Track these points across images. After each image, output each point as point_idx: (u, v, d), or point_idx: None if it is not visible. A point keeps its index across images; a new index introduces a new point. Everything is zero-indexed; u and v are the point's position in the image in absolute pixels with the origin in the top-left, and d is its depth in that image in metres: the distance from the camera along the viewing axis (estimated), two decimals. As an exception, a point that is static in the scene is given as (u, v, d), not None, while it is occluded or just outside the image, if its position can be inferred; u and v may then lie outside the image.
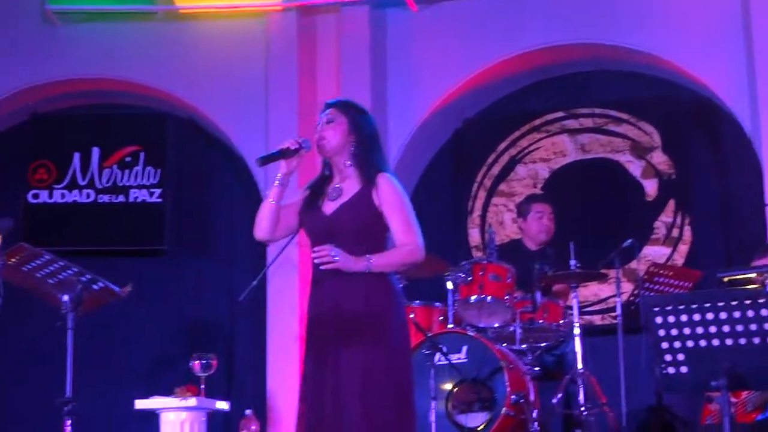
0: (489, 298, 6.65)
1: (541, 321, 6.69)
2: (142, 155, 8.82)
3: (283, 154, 4.40)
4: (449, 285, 6.73)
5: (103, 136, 8.88)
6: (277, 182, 4.43)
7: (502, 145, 8.72)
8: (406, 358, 4.40)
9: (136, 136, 8.88)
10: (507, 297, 6.67)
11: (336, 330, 4.29)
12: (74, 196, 8.78)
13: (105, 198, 8.77)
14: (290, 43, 8.51)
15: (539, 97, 8.76)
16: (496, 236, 7.34)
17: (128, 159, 8.83)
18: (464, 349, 6.46)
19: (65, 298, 5.31)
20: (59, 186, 8.79)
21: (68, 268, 5.36)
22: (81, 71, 8.86)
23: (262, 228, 4.47)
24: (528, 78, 8.71)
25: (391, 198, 4.38)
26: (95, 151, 8.84)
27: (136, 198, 8.76)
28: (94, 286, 5.40)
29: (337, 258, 4.24)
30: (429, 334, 6.43)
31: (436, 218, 8.65)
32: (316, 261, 4.28)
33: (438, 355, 6.31)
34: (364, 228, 4.35)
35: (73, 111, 9.11)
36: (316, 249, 4.28)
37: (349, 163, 4.44)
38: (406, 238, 4.37)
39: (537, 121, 8.68)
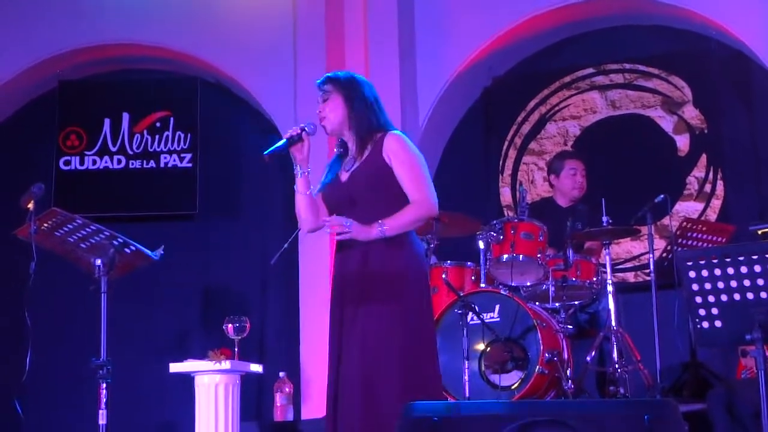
0: (521, 256, 6.64)
1: (573, 279, 6.68)
2: (171, 120, 8.83)
3: (289, 143, 4.44)
4: (481, 244, 6.73)
5: (132, 102, 8.89)
6: (298, 173, 4.49)
7: (532, 103, 8.67)
8: (426, 316, 4.44)
9: (166, 102, 8.88)
10: (539, 255, 6.65)
11: (356, 292, 4.36)
12: (105, 162, 8.81)
13: (136, 164, 8.80)
14: (318, 4, 8.47)
15: (568, 53, 8.69)
16: (528, 194, 7.31)
17: (158, 124, 8.84)
18: (497, 308, 6.46)
19: (98, 262, 5.33)
20: (90, 152, 8.82)
21: (100, 232, 5.37)
22: (109, 37, 8.86)
23: (305, 221, 4.55)
24: (556, 35, 8.64)
25: (400, 154, 4.42)
26: (125, 117, 8.85)
27: (166, 163, 8.78)
28: (127, 250, 5.42)
29: (349, 229, 4.27)
30: (461, 294, 6.42)
31: (467, 178, 8.64)
32: (328, 232, 4.33)
33: (470, 315, 6.30)
34: (379, 189, 4.40)
35: (101, 77, 9.12)
36: (327, 220, 4.34)
37: (354, 134, 4.49)
38: (417, 194, 4.40)
39: (567, 78, 8.62)
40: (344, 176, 4.50)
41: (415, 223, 4.45)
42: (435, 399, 4.32)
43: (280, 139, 4.50)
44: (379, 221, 4.31)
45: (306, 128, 4.46)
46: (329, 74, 4.65)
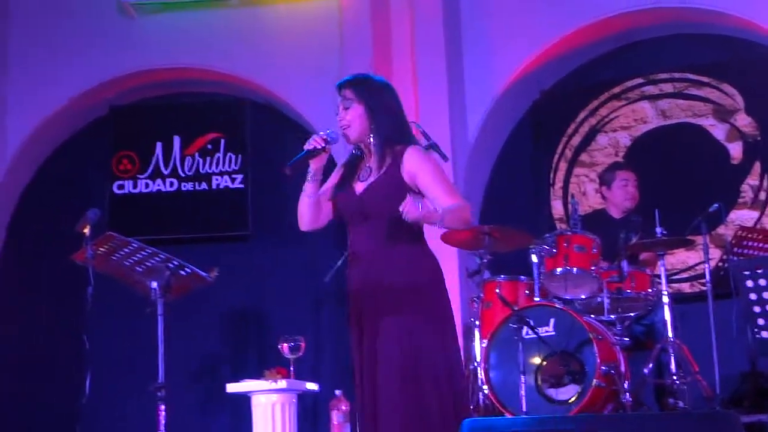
0: (575, 269, 6.61)
1: (628, 290, 6.63)
2: (222, 142, 8.89)
3: (311, 155, 4.39)
4: (534, 258, 6.70)
5: (183, 125, 8.96)
6: (310, 178, 4.44)
7: (582, 115, 8.63)
8: (450, 327, 4.37)
9: (216, 123, 8.94)
10: (593, 267, 6.62)
11: (376, 303, 4.29)
12: (158, 186, 8.88)
13: (188, 186, 8.86)
14: (363, 20, 8.50)
15: (617, 64, 8.65)
16: (580, 207, 7.28)
17: (209, 146, 8.90)
18: (552, 321, 6.42)
19: (154, 284, 5.38)
20: (143, 176, 8.89)
21: (156, 255, 5.42)
22: (158, 61, 8.94)
23: (304, 222, 4.52)
24: (605, 45, 8.60)
25: (423, 168, 4.34)
26: (176, 140, 8.92)
27: (218, 185, 8.83)
28: (182, 272, 5.46)
29: (421, 209, 4.14)
30: (515, 308, 6.40)
31: (518, 191, 8.62)
32: (405, 211, 4.14)
33: (525, 329, 6.27)
34: (395, 205, 4.26)
35: (152, 101, 9.20)
36: (406, 203, 4.15)
37: (373, 143, 4.41)
38: (453, 200, 4.31)
39: (616, 89, 8.58)
40: (359, 187, 4.42)
41: (463, 222, 4.37)
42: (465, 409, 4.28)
43: (302, 150, 4.43)
44: (437, 210, 4.19)
45: (328, 138, 4.39)
46: (350, 78, 4.55)
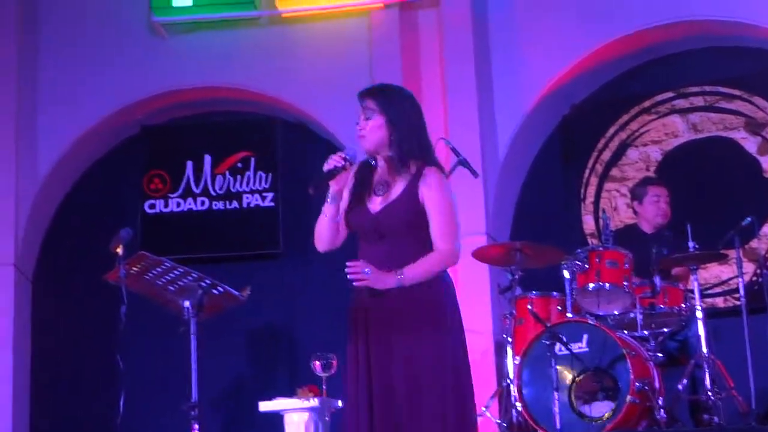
0: (607, 285, 6.59)
1: (661, 306, 6.61)
2: (252, 160, 8.91)
3: (332, 174, 4.27)
4: (566, 274, 6.69)
5: (213, 144, 8.99)
6: (330, 200, 4.32)
7: (612, 130, 8.60)
8: (466, 350, 4.32)
9: (246, 142, 8.96)
10: (625, 283, 6.59)
11: (391, 320, 4.22)
12: (189, 205, 8.90)
13: (219, 205, 8.88)
14: (393, 39, 8.51)
15: (647, 78, 8.62)
16: (611, 222, 7.26)
17: (239, 165, 8.92)
18: (585, 337, 6.40)
19: (187, 304, 5.41)
20: (174, 195, 8.92)
21: (188, 274, 5.44)
22: (189, 81, 8.97)
23: (322, 242, 4.42)
24: (635, 59, 8.58)
25: (435, 196, 4.25)
26: (207, 159, 8.94)
27: (249, 203, 8.85)
28: (214, 291, 5.48)
29: (368, 276, 4.14)
30: (548, 325, 6.38)
31: (549, 207, 8.59)
32: (349, 276, 4.16)
33: (558, 345, 6.26)
34: (411, 227, 4.25)
35: (183, 120, 9.24)
36: (349, 265, 4.16)
37: (391, 156, 4.31)
38: (442, 244, 4.25)
39: (646, 103, 8.55)
40: (375, 205, 4.31)
41: (434, 273, 4.26)
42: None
43: (324, 174, 4.31)
44: (397, 270, 4.17)
45: (347, 157, 4.28)
46: (373, 87, 4.49)
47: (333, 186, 4.29)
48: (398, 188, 4.30)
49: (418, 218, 4.24)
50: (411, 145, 4.30)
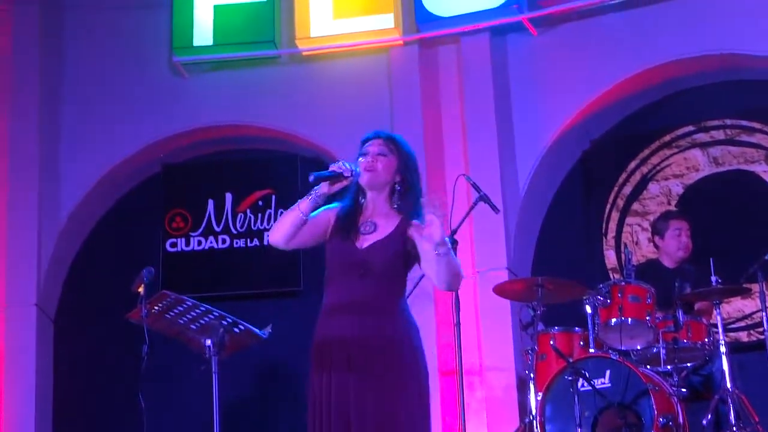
0: (630, 319, 6.56)
1: (685, 340, 6.57)
2: (273, 198, 8.94)
3: (335, 177, 4.38)
4: (588, 309, 6.67)
5: (234, 182, 9.02)
6: (312, 197, 4.40)
7: (633, 164, 8.59)
8: (424, 389, 4.38)
9: (267, 180, 8.99)
10: (648, 318, 6.56)
11: (370, 355, 4.27)
12: (210, 243, 8.92)
13: (240, 243, 8.90)
14: (413, 76, 8.55)
15: (667, 112, 8.61)
16: (633, 256, 7.23)
17: (260, 203, 8.94)
18: (607, 373, 6.37)
19: (208, 342, 5.42)
20: (195, 233, 8.94)
21: (210, 312, 5.45)
22: (209, 119, 9.02)
23: (279, 234, 4.46)
24: (653, 94, 8.58)
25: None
26: (228, 197, 8.97)
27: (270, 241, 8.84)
28: (236, 329, 5.49)
29: (441, 219, 4.19)
30: (571, 360, 6.35)
31: (570, 242, 8.57)
32: (433, 206, 4.23)
33: (581, 381, 6.23)
34: (396, 265, 4.34)
35: (203, 158, 9.28)
36: (430, 219, 4.18)
37: (389, 199, 4.43)
38: None
39: (667, 137, 8.54)
40: (362, 242, 4.38)
41: (457, 274, 4.32)
42: None
43: (328, 169, 4.44)
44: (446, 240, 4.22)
45: (353, 174, 4.39)
46: (394, 135, 4.60)
47: (324, 187, 4.39)
48: (387, 228, 4.40)
49: (404, 261, 4.35)
50: (412, 194, 4.42)
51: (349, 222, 4.45)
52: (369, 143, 4.49)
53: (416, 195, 4.44)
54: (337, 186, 4.40)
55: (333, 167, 4.42)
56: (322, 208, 4.48)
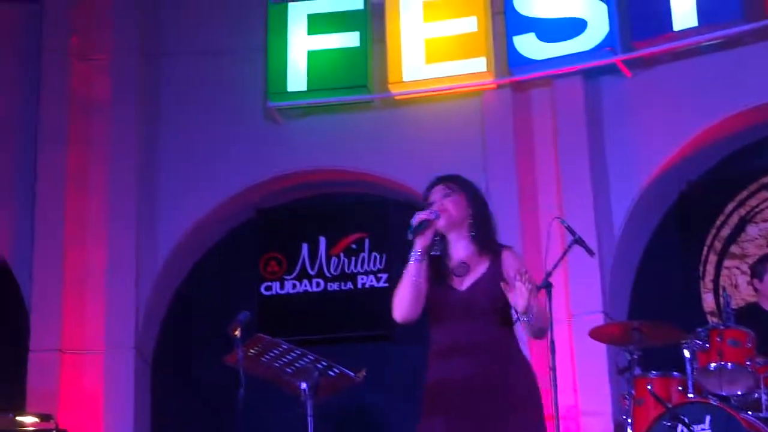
0: (729, 364, 6.45)
1: (787, 386, 6.42)
2: (366, 241, 8.98)
3: (423, 228, 4.40)
4: (686, 353, 6.58)
5: (328, 226, 9.08)
6: (414, 258, 4.42)
7: (730, 206, 8.47)
8: (541, 427, 4.39)
9: (360, 224, 9.04)
10: (748, 362, 6.45)
11: (469, 400, 4.28)
12: (305, 286, 8.98)
13: (334, 286, 8.94)
14: (506, 120, 8.54)
15: (764, 153, 8.48)
16: (732, 300, 7.11)
17: (354, 246, 8.99)
18: (707, 419, 6.26)
19: (303, 385, 5.44)
20: (290, 277, 9.01)
21: (305, 356, 5.48)
22: (303, 164, 9.10)
23: (403, 307, 4.48)
24: (751, 135, 8.46)
25: (522, 270, 4.34)
26: (322, 241, 9.04)
27: (363, 284, 8.90)
28: (330, 373, 5.51)
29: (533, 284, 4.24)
30: (669, 406, 6.25)
31: (666, 285, 8.45)
32: (522, 285, 4.21)
33: (680, 427, 6.13)
34: (499, 304, 4.35)
35: (298, 203, 9.36)
36: (521, 275, 4.22)
37: (470, 236, 4.46)
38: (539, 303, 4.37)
39: (765, 179, 8.40)
40: (459, 283, 4.42)
41: (545, 324, 4.45)
42: None
43: (419, 224, 4.45)
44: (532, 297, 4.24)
45: (435, 215, 4.44)
46: (454, 174, 4.68)
47: (418, 242, 4.41)
48: (482, 267, 4.43)
49: (502, 296, 4.34)
50: (488, 226, 4.50)
51: (439, 268, 4.48)
52: (431, 192, 4.58)
53: (491, 224, 4.52)
54: (429, 234, 4.42)
55: (414, 220, 4.44)
56: None
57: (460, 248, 4.49)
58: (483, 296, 4.36)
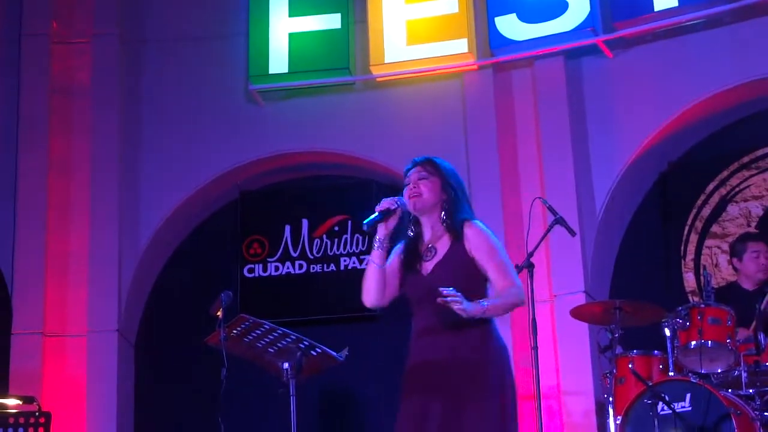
0: (710, 342, 6.49)
1: (767, 363, 6.46)
2: (349, 223, 8.98)
3: (386, 215, 4.46)
4: (667, 332, 6.61)
5: (311, 208, 9.09)
6: (377, 245, 4.48)
7: (711, 186, 8.50)
8: (513, 412, 4.40)
9: (343, 205, 9.04)
10: (729, 340, 6.49)
11: (439, 383, 4.34)
12: (287, 268, 8.99)
13: (317, 268, 8.95)
14: (487, 100, 8.55)
15: (745, 133, 8.51)
16: (712, 279, 7.15)
17: (336, 228, 9.00)
18: (688, 396, 6.30)
19: (286, 365, 5.45)
20: (272, 259, 9.02)
21: (287, 336, 5.50)
22: (285, 146, 9.10)
23: (370, 294, 4.55)
24: (731, 115, 8.49)
25: (483, 245, 4.43)
26: (305, 223, 9.05)
27: (346, 265, 8.91)
28: (313, 352, 5.52)
29: (459, 300, 4.24)
30: (650, 384, 6.29)
31: (648, 265, 8.50)
32: (444, 295, 4.24)
33: (661, 405, 6.16)
34: (462, 281, 4.37)
35: (280, 185, 9.36)
36: (442, 289, 4.25)
37: (441, 219, 4.51)
38: (505, 283, 4.40)
39: (745, 158, 8.44)
40: (425, 268, 4.49)
41: (512, 308, 4.46)
42: None
43: (376, 216, 4.51)
44: (480, 301, 4.29)
45: (399, 204, 4.49)
46: (430, 156, 4.69)
47: (381, 230, 4.47)
48: (443, 247, 4.48)
49: (467, 272, 4.41)
50: (460, 207, 4.52)
51: (411, 253, 4.55)
52: (409, 173, 4.61)
53: (463, 205, 4.55)
54: (392, 222, 4.49)
55: (378, 208, 4.52)
56: (393, 252, 4.57)
57: (433, 232, 4.55)
58: (445, 277, 4.38)
